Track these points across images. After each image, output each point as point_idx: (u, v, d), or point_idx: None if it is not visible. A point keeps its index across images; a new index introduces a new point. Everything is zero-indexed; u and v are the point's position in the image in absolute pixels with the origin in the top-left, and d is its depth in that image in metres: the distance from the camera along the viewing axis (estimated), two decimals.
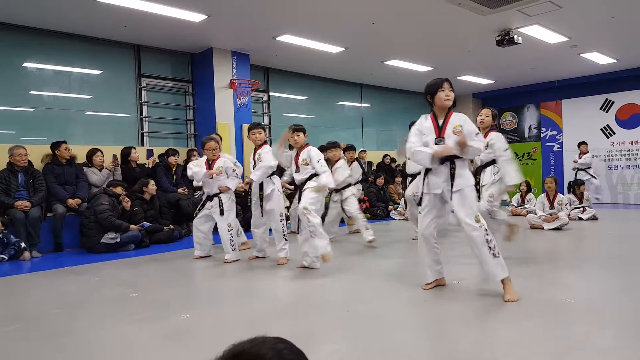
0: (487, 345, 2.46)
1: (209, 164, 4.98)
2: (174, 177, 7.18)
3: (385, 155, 10.71)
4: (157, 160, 7.11)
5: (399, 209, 8.90)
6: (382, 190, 9.34)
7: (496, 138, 4.35)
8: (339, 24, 6.93)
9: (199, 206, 5.14)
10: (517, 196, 9.18)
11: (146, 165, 6.98)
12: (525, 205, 8.77)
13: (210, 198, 4.98)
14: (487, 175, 4.47)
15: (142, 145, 7.63)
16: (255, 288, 3.94)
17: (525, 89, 12.25)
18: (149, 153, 7.34)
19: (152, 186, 6.37)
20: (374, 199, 9.04)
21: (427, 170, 3.38)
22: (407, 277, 3.89)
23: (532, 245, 5.68)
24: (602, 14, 6.84)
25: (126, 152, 6.86)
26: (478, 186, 4.29)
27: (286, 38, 7.42)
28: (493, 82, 11.72)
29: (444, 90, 3.33)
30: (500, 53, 8.42)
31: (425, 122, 3.42)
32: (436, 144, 3.30)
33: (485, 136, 4.30)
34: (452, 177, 3.25)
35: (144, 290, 3.79)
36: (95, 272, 4.62)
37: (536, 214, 7.03)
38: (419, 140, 3.36)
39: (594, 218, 7.72)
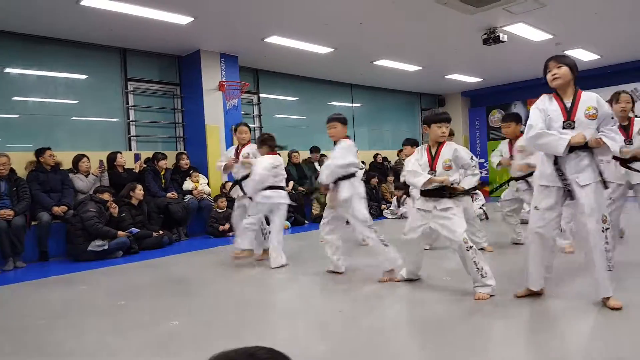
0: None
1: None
2: (163, 181, 7.10)
3: (376, 155, 10.71)
4: (144, 165, 7.04)
5: (391, 208, 8.91)
6: (374, 189, 9.33)
7: None
8: (326, 24, 6.91)
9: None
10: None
11: (134, 170, 6.91)
12: None
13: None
14: None
15: (130, 149, 7.55)
16: (249, 294, 3.89)
17: (512, 87, 12.32)
18: (137, 157, 7.26)
19: (139, 191, 6.30)
20: (368, 199, 8.99)
21: (555, 159, 2.94)
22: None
23: None
24: (585, 11, 6.88)
25: (112, 157, 6.77)
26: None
27: (274, 39, 7.38)
28: (481, 80, 11.77)
29: (550, 70, 2.96)
30: (486, 51, 8.44)
31: (549, 104, 2.99)
32: (564, 128, 2.89)
33: (632, 126, 3.91)
34: (584, 168, 2.87)
35: (132, 298, 3.74)
36: (82, 280, 4.54)
37: (525, 209, 7.06)
38: (543, 122, 2.93)
39: None
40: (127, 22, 6.25)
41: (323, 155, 8.90)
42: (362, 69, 9.87)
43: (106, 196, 5.99)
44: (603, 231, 2.84)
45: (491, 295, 3.21)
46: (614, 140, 2.83)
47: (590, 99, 2.92)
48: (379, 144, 11.91)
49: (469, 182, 3.39)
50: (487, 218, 7.76)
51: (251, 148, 5.33)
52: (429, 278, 3.89)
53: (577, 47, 8.84)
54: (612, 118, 2.92)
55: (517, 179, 4.83)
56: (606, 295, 2.85)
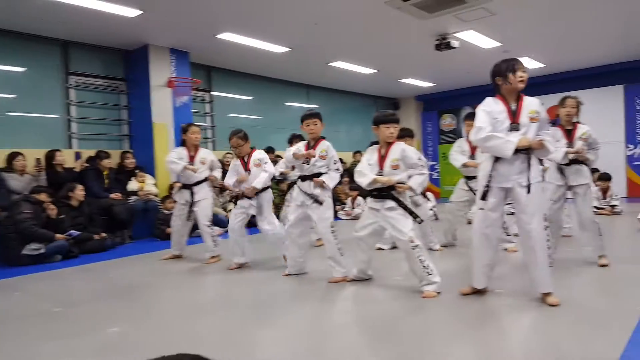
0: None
1: (244, 160, 4.64)
2: (106, 181, 6.77)
3: None
4: (86, 164, 6.67)
5: (346, 209, 8.94)
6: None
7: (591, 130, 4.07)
8: (282, 23, 6.81)
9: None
10: None
11: (74, 169, 6.54)
12: None
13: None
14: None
15: (70, 147, 7.13)
16: (194, 299, 3.74)
17: (463, 92, 12.66)
18: (77, 156, 6.88)
19: (79, 191, 5.96)
20: None
21: (495, 160, 3.05)
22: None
23: None
24: (531, 21, 7.17)
25: (50, 156, 6.36)
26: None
27: (228, 36, 7.20)
28: (433, 85, 12.03)
29: (517, 72, 3.01)
30: (439, 57, 8.61)
31: (495, 105, 3.08)
32: (510, 130, 3.00)
33: (574, 130, 4.08)
34: (526, 169, 2.97)
35: (70, 305, 3.52)
36: (16, 286, 4.26)
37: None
38: (490, 125, 3.00)
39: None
40: (69, 12, 5.90)
41: (278, 156, 8.78)
42: (318, 70, 9.83)
43: (43, 197, 5.63)
44: (545, 229, 3.00)
45: (438, 293, 3.30)
46: (551, 144, 3.00)
47: (532, 103, 3.06)
48: (334, 145, 11.56)
49: (415, 181, 3.44)
50: (436, 219, 7.90)
51: (207, 153, 5.22)
52: (381, 277, 3.92)
53: (524, 55, 9.16)
54: (548, 123, 3.12)
55: (470, 179, 4.93)
56: (547, 291, 2.98)
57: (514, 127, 2.99)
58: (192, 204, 5.06)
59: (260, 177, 4.47)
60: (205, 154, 5.20)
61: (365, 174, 3.46)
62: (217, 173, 5.26)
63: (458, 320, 2.85)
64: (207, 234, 5.02)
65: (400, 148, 3.49)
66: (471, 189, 4.93)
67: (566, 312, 2.82)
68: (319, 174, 3.94)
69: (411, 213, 3.40)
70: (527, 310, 2.92)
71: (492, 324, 2.76)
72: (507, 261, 4.38)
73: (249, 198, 4.48)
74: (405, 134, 4.91)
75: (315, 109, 11.59)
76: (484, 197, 3.07)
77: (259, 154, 4.63)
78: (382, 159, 3.52)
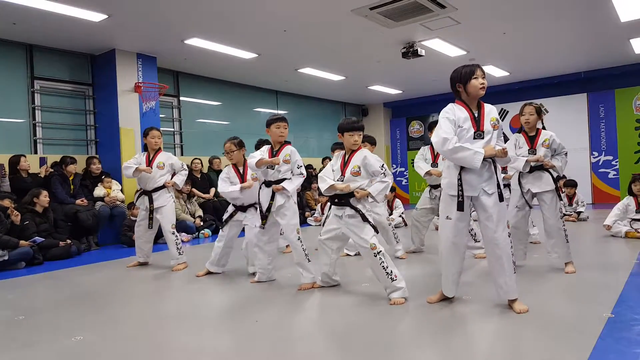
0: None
1: (239, 171, 4.53)
2: (72, 187, 6.64)
3: None
4: (51, 169, 6.54)
5: (315, 215, 8.99)
6: (299, 196, 9.35)
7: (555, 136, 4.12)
8: (250, 29, 6.86)
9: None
10: None
11: (39, 175, 6.40)
12: None
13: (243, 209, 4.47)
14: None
15: (35, 153, 6.99)
16: (161, 307, 3.72)
17: (430, 99, 12.92)
18: (42, 161, 6.73)
19: (44, 197, 5.83)
20: None
21: (462, 169, 3.00)
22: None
23: None
24: (495, 30, 7.43)
25: (15, 161, 6.22)
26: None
27: (195, 42, 7.20)
28: (401, 92, 12.25)
29: (477, 78, 2.99)
30: (406, 64, 8.82)
31: (459, 112, 3.03)
32: (475, 138, 2.97)
33: (538, 136, 4.14)
34: (491, 177, 2.99)
35: (33, 313, 3.45)
36: None
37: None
38: (454, 133, 2.96)
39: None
40: (33, 16, 5.82)
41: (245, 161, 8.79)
42: (286, 76, 9.90)
43: (6, 203, 5.50)
44: (509, 236, 3.01)
45: (405, 299, 3.29)
46: (512, 151, 3.06)
47: (492, 110, 3.08)
48: (303, 151, 11.97)
49: (375, 189, 3.42)
50: (405, 225, 8.04)
51: (167, 157, 5.10)
52: (348, 284, 3.94)
53: (489, 63, 9.48)
54: (502, 132, 3.12)
55: (435, 187, 4.95)
56: (513, 298, 3.00)
57: (479, 134, 2.98)
58: (152, 211, 4.95)
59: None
60: (164, 158, 5.05)
61: (325, 180, 3.46)
62: (181, 176, 5.10)
63: (425, 327, 2.84)
64: (170, 241, 4.93)
65: (362, 155, 3.48)
66: (436, 197, 4.91)
67: (533, 319, 2.83)
68: (283, 180, 3.92)
69: (367, 221, 3.37)
70: (494, 317, 2.92)
71: (459, 331, 2.74)
72: (474, 267, 4.39)
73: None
74: (366, 140, 4.90)
75: (284, 114, 11.65)
76: (460, 207, 2.99)
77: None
78: (344, 165, 3.52)
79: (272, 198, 3.90)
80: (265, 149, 4.04)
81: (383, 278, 3.32)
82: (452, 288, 3.19)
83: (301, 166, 4.00)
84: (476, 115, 3.02)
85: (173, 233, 4.93)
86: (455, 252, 3.11)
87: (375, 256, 3.29)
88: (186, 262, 5.01)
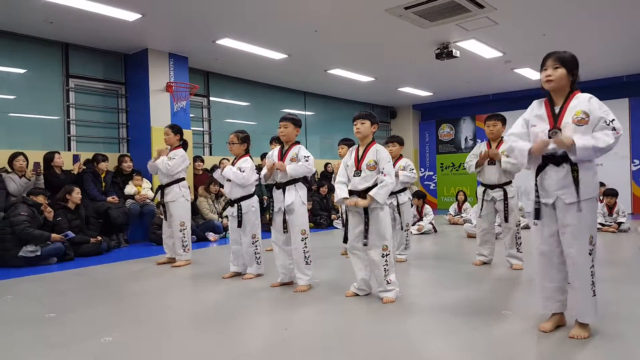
0: None
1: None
2: (103, 184, 6.72)
3: (327, 164, 10.67)
4: (83, 167, 6.63)
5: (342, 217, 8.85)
6: (325, 199, 9.27)
7: None
8: (281, 30, 6.81)
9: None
10: (455, 205, 9.43)
11: (72, 172, 6.49)
12: (462, 214, 9.02)
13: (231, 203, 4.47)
14: None
15: (69, 149, 7.10)
16: (189, 307, 3.69)
17: (462, 102, 12.66)
18: (75, 158, 6.83)
19: (76, 194, 5.91)
20: (317, 208, 8.97)
21: (537, 172, 2.70)
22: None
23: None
24: (534, 31, 7.17)
25: (49, 157, 6.32)
26: None
27: (227, 42, 7.20)
28: (432, 94, 12.03)
29: (545, 69, 2.70)
30: (439, 66, 8.63)
31: (537, 109, 2.75)
32: (550, 137, 2.59)
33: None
34: (574, 183, 2.55)
35: (63, 310, 3.45)
36: (9, 289, 4.19)
37: (472, 223, 7.19)
38: (524, 132, 2.73)
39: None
40: (69, 15, 5.89)
41: None
42: (315, 77, 9.83)
43: (40, 199, 5.59)
44: (589, 254, 2.64)
45: (394, 300, 3.40)
46: (587, 140, 2.52)
47: (580, 102, 2.62)
48: (330, 153, 11.90)
49: (375, 192, 3.37)
50: (435, 231, 7.87)
51: (176, 153, 5.12)
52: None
53: (526, 66, 9.20)
54: (613, 122, 2.54)
55: (492, 187, 4.61)
56: (583, 322, 2.64)
57: (554, 132, 2.61)
58: (164, 205, 5.14)
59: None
60: (173, 153, 5.11)
61: (341, 186, 3.54)
62: (182, 166, 5.10)
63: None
64: (177, 238, 5.09)
65: (375, 149, 3.51)
66: (493, 199, 4.61)
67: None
68: (292, 181, 3.91)
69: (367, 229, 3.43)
70: (530, 335, 2.71)
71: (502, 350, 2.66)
72: (514, 280, 4.18)
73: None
74: (395, 140, 5.02)
75: (312, 116, 11.62)
76: (537, 215, 2.71)
77: (244, 162, 4.43)
78: (359, 160, 3.54)
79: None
80: (275, 150, 4.08)
81: (380, 278, 3.43)
82: (545, 304, 2.79)
83: (307, 157, 3.93)
84: (557, 110, 2.65)
85: (180, 230, 5.07)
86: (546, 262, 2.74)
87: (383, 257, 3.40)
88: (190, 260, 5.14)
